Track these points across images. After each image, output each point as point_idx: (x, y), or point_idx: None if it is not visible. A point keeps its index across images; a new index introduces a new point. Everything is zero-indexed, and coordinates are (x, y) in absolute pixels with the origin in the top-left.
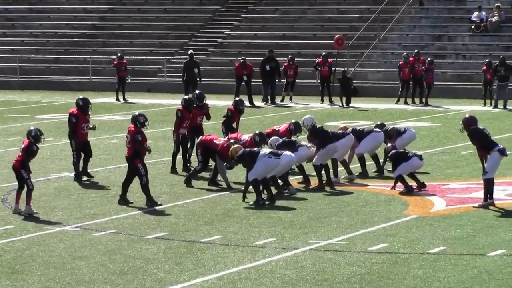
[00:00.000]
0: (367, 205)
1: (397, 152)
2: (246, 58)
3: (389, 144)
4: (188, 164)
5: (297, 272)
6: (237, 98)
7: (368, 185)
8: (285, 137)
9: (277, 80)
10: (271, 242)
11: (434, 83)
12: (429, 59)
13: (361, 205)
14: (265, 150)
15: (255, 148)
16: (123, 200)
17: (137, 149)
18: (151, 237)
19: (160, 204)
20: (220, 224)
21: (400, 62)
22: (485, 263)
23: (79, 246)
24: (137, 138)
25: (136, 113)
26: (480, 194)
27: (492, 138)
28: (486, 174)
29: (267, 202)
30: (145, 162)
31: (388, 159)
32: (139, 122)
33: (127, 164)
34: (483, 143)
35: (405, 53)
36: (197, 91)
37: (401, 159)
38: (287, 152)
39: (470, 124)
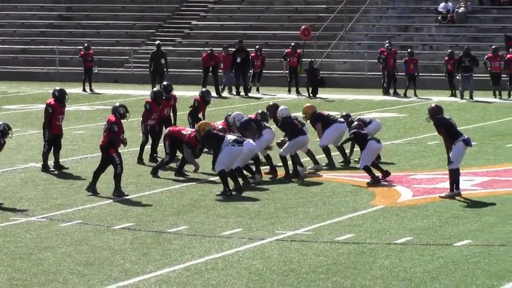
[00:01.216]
0: (334, 196)
1: (359, 132)
2: (213, 49)
3: (356, 123)
4: (155, 155)
5: (263, 263)
6: (203, 89)
7: (335, 176)
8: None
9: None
10: (238, 233)
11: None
12: (409, 50)
13: (328, 196)
14: (230, 136)
15: (222, 134)
16: (92, 189)
17: (112, 139)
18: (118, 228)
19: (127, 195)
20: (187, 214)
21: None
22: (451, 253)
23: (46, 236)
24: (113, 128)
25: (117, 104)
26: (447, 184)
27: (458, 128)
28: (451, 164)
29: (234, 193)
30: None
31: (349, 136)
32: (119, 113)
33: (101, 153)
34: (449, 133)
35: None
36: (164, 83)
37: (360, 140)
38: (250, 141)
39: (435, 114)
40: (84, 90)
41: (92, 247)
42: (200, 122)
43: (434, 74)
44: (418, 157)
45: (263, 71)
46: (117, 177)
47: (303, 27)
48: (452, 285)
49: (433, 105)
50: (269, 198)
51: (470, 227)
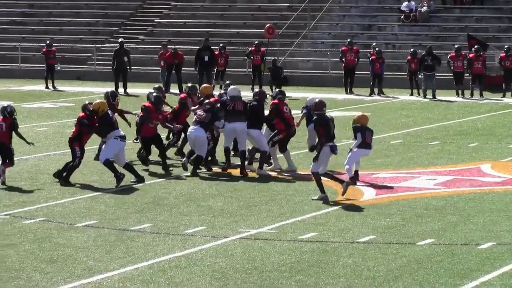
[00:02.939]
0: (297, 194)
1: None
2: (176, 47)
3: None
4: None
5: (227, 261)
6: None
7: (298, 174)
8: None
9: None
10: (201, 231)
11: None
12: (377, 49)
13: (291, 194)
14: (117, 132)
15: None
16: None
17: (83, 132)
18: (81, 225)
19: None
20: (150, 212)
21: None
22: (414, 252)
23: (8, 233)
24: (84, 122)
25: (87, 102)
26: (410, 183)
27: (334, 132)
28: (313, 166)
29: (133, 181)
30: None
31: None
32: (87, 110)
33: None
34: (323, 133)
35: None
36: (109, 90)
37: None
38: (195, 127)
39: (317, 109)
40: (47, 87)
41: (55, 244)
42: (100, 101)
43: (397, 73)
44: (381, 156)
45: (227, 69)
46: (72, 168)
47: (267, 25)
48: (415, 284)
49: (317, 99)
50: (232, 196)
51: (433, 226)
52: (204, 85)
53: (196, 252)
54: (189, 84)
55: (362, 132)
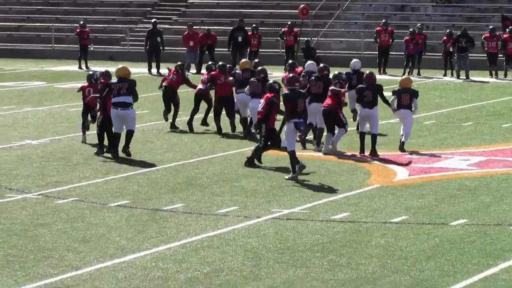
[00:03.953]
0: (330, 174)
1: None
2: (209, 27)
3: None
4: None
5: (259, 241)
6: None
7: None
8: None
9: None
10: (233, 211)
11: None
12: (410, 29)
13: (324, 174)
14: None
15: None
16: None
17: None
18: (114, 205)
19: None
20: (183, 192)
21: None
22: (447, 232)
23: (41, 213)
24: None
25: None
26: (443, 163)
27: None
28: (288, 146)
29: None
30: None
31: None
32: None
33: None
34: (289, 109)
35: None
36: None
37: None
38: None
39: (289, 84)
40: (80, 67)
41: (88, 224)
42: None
43: (429, 54)
44: (414, 136)
45: (260, 50)
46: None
47: (301, 6)
48: (447, 264)
49: (291, 74)
50: (265, 176)
51: (465, 207)
52: (243, 60)
53: (228, 232)
54: (220, 63)
55: (398, 94)
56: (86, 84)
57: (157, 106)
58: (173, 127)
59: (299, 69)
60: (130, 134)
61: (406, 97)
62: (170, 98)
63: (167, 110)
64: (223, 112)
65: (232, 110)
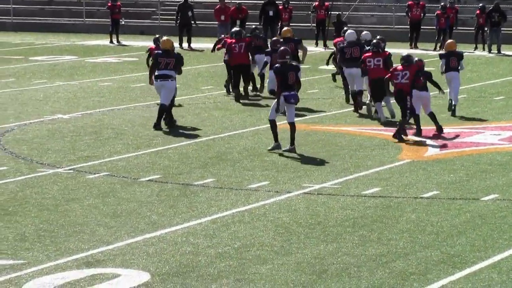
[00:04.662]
0: (361, 149)
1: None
2: (240, 1)
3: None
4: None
5: (290, 216)
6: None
7: (362, 129)
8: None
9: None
10: (264, 186)
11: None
12: (442, 3)
13: (355, 149)
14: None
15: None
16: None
17: None
18: (145, 180)
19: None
20: (214, 167)
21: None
22: (478, 207)
23: (73, 188)
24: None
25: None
26: (474, 138)
27: (294, 80)
28: (270, 114)
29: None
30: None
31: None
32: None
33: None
34: (280, 83)
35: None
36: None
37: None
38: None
39: (280, 57)
40: (111, 42)
41: (119, 199)
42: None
43: (461, 28)
44: (445, 111)
45: (291, 24)
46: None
47: None
48: (479, 239)
49: (282, 47)
50: (296, 152)
51: (497, 182)
52: (285, 28)
53: (259, 207)
54: (235, 29)
55: (446, 58)
56: (153, 46)
57: (187, 81)
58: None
59: (340, 38)
60: (162, 108)
61: (454, 60)
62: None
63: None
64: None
65: (248, 77)
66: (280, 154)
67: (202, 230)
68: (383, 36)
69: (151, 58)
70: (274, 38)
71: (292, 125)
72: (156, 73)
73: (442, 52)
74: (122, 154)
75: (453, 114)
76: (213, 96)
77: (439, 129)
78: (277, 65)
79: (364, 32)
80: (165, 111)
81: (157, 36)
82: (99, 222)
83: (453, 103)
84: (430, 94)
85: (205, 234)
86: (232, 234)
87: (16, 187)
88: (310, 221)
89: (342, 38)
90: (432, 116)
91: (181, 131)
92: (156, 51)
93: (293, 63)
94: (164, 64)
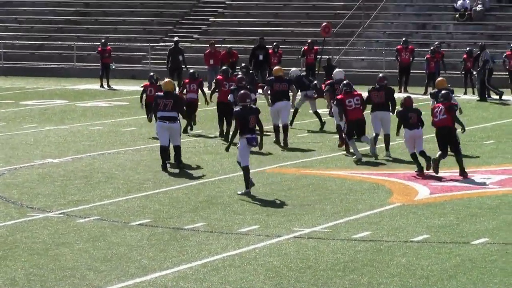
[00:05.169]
0: (351, 193)
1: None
2: (230, 46)
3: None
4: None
5: (280, 260)
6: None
7: (353, 173)
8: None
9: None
10: (255, 230)
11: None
12: (432, 48)
13: (345, 193)
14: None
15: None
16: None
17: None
18: (135, 224)
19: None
20: (204, 211)
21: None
22: (469, 251)
23: (63, 232)
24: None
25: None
26: (464, 182)
27: (250, 126)
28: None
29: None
30: (128, 149)
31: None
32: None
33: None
34: (240, 126)
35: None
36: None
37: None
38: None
39: (240, 100)
40: (101, 86)
41: (109, 243)
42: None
43: (451, 72)
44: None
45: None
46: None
47: (323, 24)
48: (469, 283)
49: (242, 91)
50: (286, 195)
51: (487, 226)
52: (276, 67)
53: (249, 251)
54: (224, 67)
55: (436, 96)
56: (147, 83)
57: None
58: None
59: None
60: (178, 149)
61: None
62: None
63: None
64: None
65: (231, 118)
66: (270, 198)
67: (192, 274)
68: (373, 80)
69: (144, 94)
70: (239, 76)
71: (247, 169)
72: (159, 115)
73: (433, 91)
74: (113, 198)
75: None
76: (203, 140)
77: (421, 170)
78: (237, 108)
79: (337, 70)
80: (180, 150)
81: (151, 74)
82: (89, 267)
83: None
84: (422, 132)
85: (195, 278)
86: (222, 278)
87: (6, 231)
88: (301, 265)
89: (330, 78)
90: (423, 154)
91: (171, 175)
92: (157, 93)
93: (253, 107)
94: (163, 105)
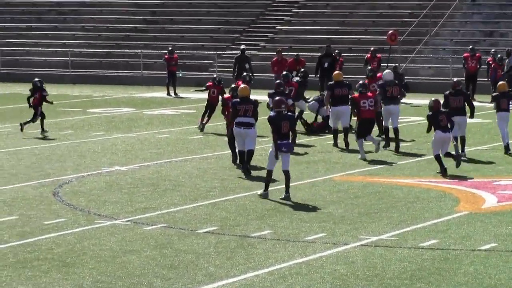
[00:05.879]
0: (418, 201)
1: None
2: (297, 53)
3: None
4: None
5: (347, 268)
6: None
7: (420, 181)
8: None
9: None
10: (321, 238)
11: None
12: (499, 55)
13: (412, 201)
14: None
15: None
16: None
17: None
18: (202, 232)
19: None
20: (271, 219)
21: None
22: None
23: (130, 240)
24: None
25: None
26: None
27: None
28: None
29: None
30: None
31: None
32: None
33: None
34: (274, 131)
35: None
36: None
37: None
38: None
39: (275, 106)
40: (168, 94)
41: (176, 250)
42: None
43: None
44: (503, 163)
45: (345, 76)
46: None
47: (390, 31)
48: None
49: (277, 97)
50: (353, 203)
51: None
52: (336, 72)
53: (316, 259)
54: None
55: (497, 100)
56: (211, 83)
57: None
58: None
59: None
60: (250, 153)
61: (505, 102)
62: None
63: None
64: None
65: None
66: (337, 206)
67: (259, 282)
68: (440, 88)
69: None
70: (278, 81)
71: (287, 173)
72: (237, 120)
73: (494, 94)
74: (180, 205)
75: (507, 150)
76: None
77: (444, 171)
78: (271, 114)
79: (387, 71)
80: (251, 155)
81: (214, 76)
82: (157, 274)
83: (505, 143)
84: (451, 135)
85: (262, 286)
86: (289, 286)
87: (74, 238)
88: (367, 273)
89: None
90: (449, 154)
91: (238, 182)
92: (233, 100)
93: (288, 113)
94: (243, 111)
